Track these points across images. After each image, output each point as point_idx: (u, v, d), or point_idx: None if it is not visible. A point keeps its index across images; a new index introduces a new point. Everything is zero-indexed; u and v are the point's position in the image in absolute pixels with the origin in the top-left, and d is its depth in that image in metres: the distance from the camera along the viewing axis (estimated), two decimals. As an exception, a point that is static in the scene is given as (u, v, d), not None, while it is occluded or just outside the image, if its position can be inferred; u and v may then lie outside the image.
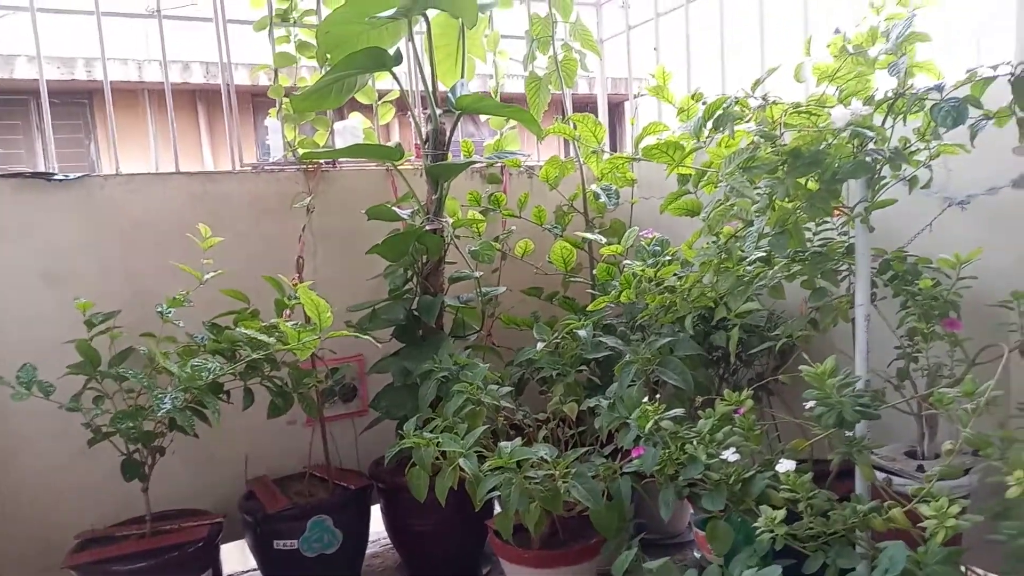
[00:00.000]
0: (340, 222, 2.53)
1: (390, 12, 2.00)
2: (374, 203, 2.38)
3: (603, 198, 2.58)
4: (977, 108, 1.20)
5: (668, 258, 2.04)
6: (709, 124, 1.42)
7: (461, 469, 1.66)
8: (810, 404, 1.44)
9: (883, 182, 1.42)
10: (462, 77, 2.42)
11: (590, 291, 2.48)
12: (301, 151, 2.50)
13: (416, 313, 2.31)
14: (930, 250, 1.70)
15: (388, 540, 2.46)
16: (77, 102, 7.57)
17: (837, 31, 1.51)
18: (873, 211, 1.40)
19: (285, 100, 2.50)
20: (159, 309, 1.96)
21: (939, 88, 1.23)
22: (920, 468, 1.78)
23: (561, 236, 2.58)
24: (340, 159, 2.54)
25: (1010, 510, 1.16)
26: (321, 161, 2.49)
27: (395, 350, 2.35)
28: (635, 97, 2.68)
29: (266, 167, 2.49)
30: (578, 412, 1.97)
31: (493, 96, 3.03)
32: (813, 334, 1.74)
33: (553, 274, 2.59)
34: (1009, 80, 1.19)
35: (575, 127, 2.34)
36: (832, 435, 1.44)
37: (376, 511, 2.39)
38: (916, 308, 1.59)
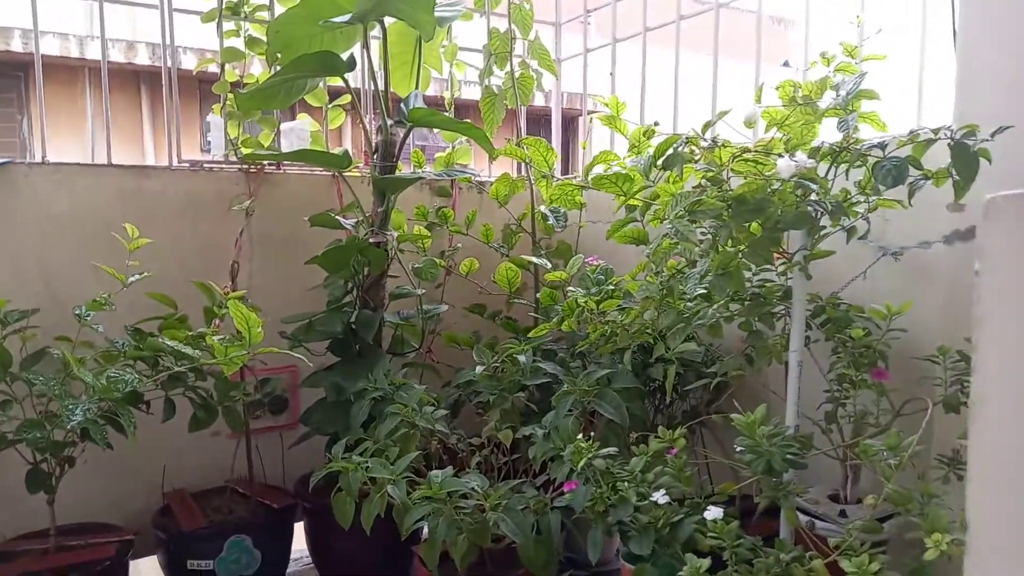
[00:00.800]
0: (280, 227, 2.45)
1: (345, 18, 1.95)
2: (317, 210, 2.31)
3: (551, 220, 2.56)
4: (917, 168, 1.23)
5: (611, 287, 2.03)
6: (659, 163, 1.42)
7: (389, 496, 1.61)
8: (740, 449, 1.46)
9: (823, 231, 1.44)
10: (416, 87, 2.38)
11: (533, 314, 2.46)
12: (244, 151, 2.41)
13: (354, 327, 2.25)
14: (862, 297, 1.74)
15: (310, 559, 2.38)
16: (12, 75, 7.21)
17: (787, 63, 1.53)
18: (812, 260, 1.42)
19: (230, 96, 2.41)
20: (77, 311, 1.85)
21: (881, 146, 1.25)
22: (843, 513, 1.81)
23: (507, 256, 2.55)
24: (285, 162, 2.47)
25: (925, 569, 1.17)
26: (264, 163, 2.41)
27: (330, 364, 2.28)
28: (589, 120, 2.68)
29: (205, 165, 2.39)
30: (513, 439, 1.94)
31: (448, 106, 3.00)
32: (747, 372, 1.76)
33: (497, 293, 2.56)
34: (949, 144, 1.22)
35: (527, 149, 2.32)
36: (760, 479, 1.45)
37: (300, 528, 2.32)
38: (846, 355, 1.62)
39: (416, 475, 1.72)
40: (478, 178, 2.29)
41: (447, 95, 2.95)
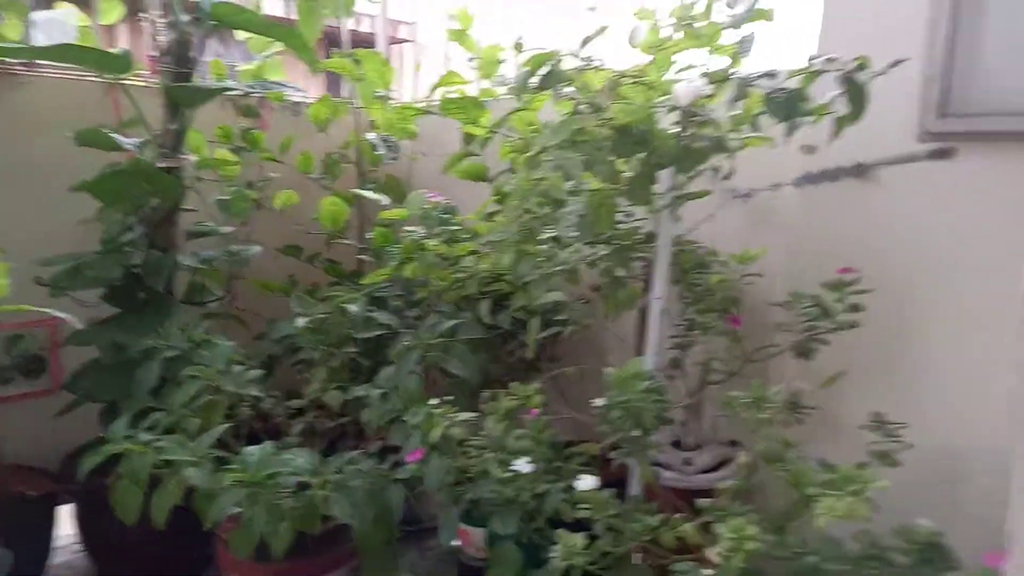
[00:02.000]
0: (35, 145, 1.93)
1: None
2: (85, 124, 1.83)
3: (382, 150, 2.27)
4: (803, 103, 1.13)
5: (456, 227, 1.82)
6: (532, 81, 1.21)
7: (189, 481, 1.30)
8: (600, 402, 1.33)
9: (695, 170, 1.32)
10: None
11: (360, 256, 2.18)
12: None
13: (138, 272, 1.83)
14: (706, 239, 1.68)
15: (80, 547, 1.97)
16: None
17: None
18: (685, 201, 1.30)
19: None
20: None
21: (771, 75, 1.15)
22: (687, 462, 1.79)
23: (331, 190, 2.23)
24: (40, 62, 1.93)
25: (787, 527, 1.13)
26: (9, 61, 1.87)
27: (107, 317, 1.86)
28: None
29: (-80, 57, 1.80)
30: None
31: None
32: (599, 320, 1.65)
33: (315, 233, 2.24)
34: (838, 78, 1.14)
35: (358, 64, 1.99)
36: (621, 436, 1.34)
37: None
38: (698, 301, 1.55)
39: (224, 450, 1.41)
40: (294, 96, 1.93)
41: (254, -1, 2.50)
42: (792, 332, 1.47)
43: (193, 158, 1.85)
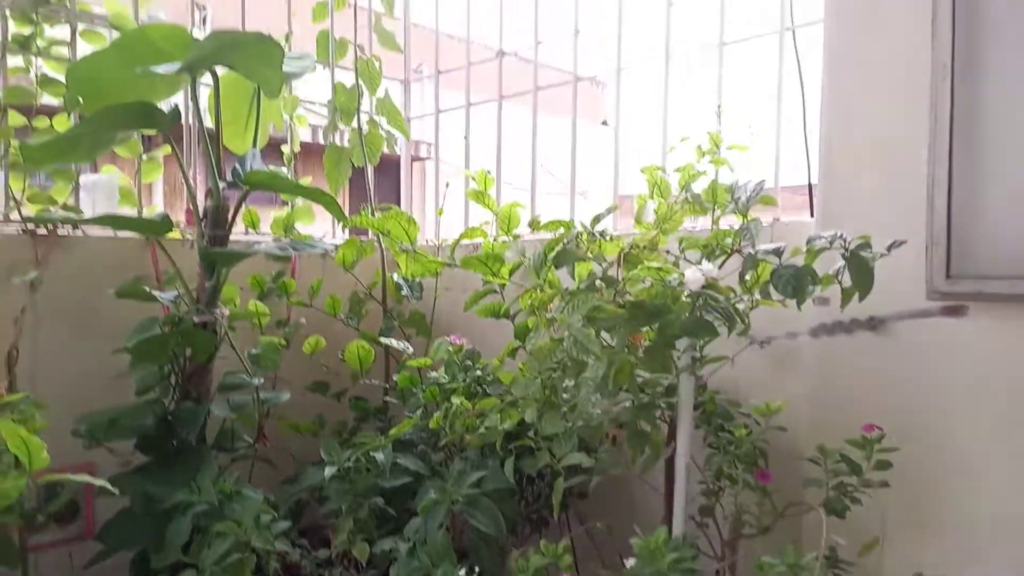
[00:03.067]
0: (77, 298, 2.03)
1: (171, 68, 1.64)
2: (126, 277, 1.95)
3: (406, 291, 2.36)
4: (813, 280, 1.19)
5: (478, 372, 1.87)
6: (549, 260, 1.29)
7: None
8: (630, 564, 1.33)
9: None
10: (254, 145, 2.09)
11: (386, 398, 2.23)
12: (31, 209, 1.99)
13: (171, 421, 1.89)
14: (725, 384, 1.70)
15: None
16: None
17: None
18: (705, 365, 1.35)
19: (14, 144, 1.98)
20: None
21: (777, 252, 1.21)
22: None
23: (358, 330, 2.31)
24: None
25: None
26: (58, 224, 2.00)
27: (138, 465, 1.90)
28: (446, 185, 2.53)
29: (-23, 225, 1.94)
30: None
31: (287, 162, 2.72)
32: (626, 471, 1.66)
33: (343, 373, 2.30)
34: (843, 255, 1.20)
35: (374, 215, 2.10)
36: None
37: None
38: (725, 452, 1.56)
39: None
40: (327, 249, 2.04)
41: (287, 151, 2.67)
42: (822, 488, 1.48)
43: (227, 311, 1.93)
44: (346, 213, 1.98)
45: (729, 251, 1.27)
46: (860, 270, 1.17)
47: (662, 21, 2.13)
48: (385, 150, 2.74)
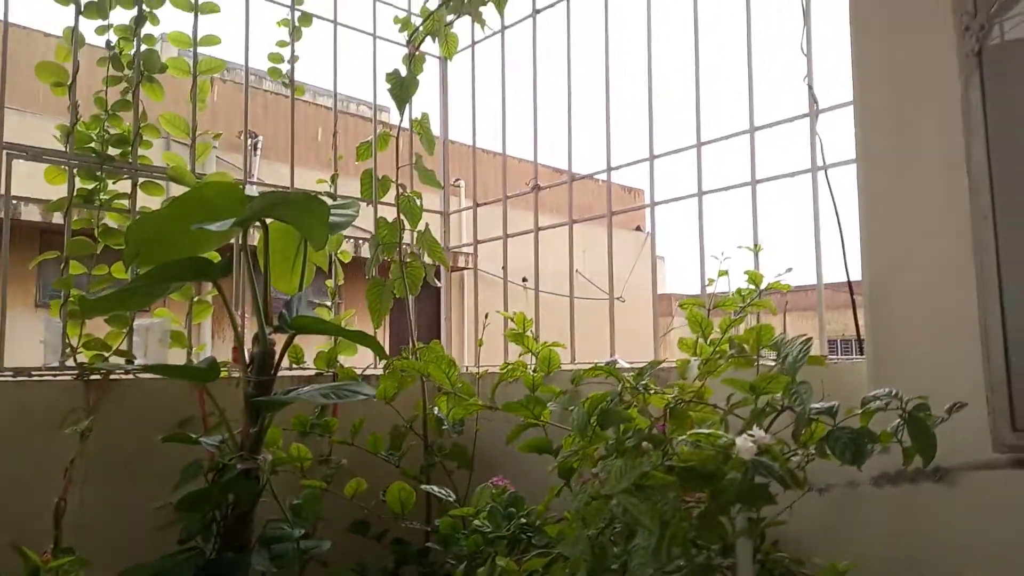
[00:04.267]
0: (126, 444, 2.05)
1: (225, 225, 1.72)
2: (173, 419, 1.97)
3: (447, 426, 2.34)
4: (872, 441, 1.15)
5: (523, 520, 1.82)
6: (594, 421, 1.27)
7: None
8: None
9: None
10: (300, 288, 2.15)
11: (428, 544, 2.17)
12: (86, 355, 2.05)
13: (212, 573, 1.85)
14: (784, 534, 1.62)
15: None
16: None
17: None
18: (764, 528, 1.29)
19: (75, 294, 2.07)
20: None
21: (831, 412, 1.18)
22: None
23: (399, 467, 2.28)
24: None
25: None
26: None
27: (177, 621, 1.85)
28: (485, 317, 2.55)
29: (34, 374, 1.99)
30: None
31: (331, 295, 2.79)
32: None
33: (384, 507, 2.25)
34: (901, 416, 1.16)
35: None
36: None
37: None
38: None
39: None
40: (369, 395, 2.05)
41: (330, 284, 2.75)
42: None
43: (270, 457, 1.93)
44: (387, 336, 2.02)
45: (779, 408, 1.24)
46: (920, 433, 1.13)
47: (694, 156, 2.19)
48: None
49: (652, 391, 1.36)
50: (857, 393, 1.57)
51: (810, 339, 1.32)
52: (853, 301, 1.73)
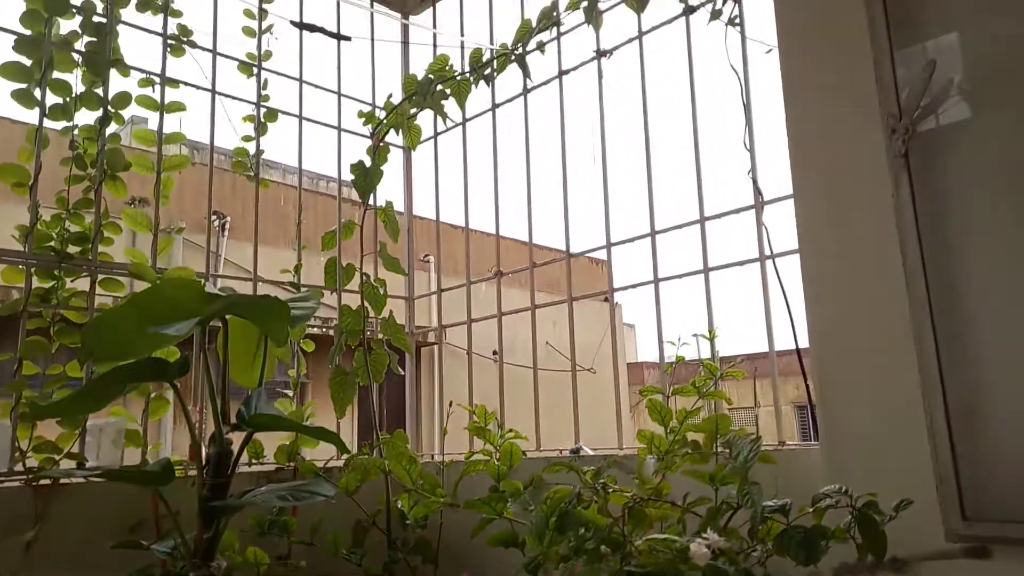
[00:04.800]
0: (75, 549, 1.97)
1: (184, 327, 1.72)
2: (125, 523, 1.91)
3: (410, 521, 2.29)
4: (825, 539, 1.16)
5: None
6: (551, 525, 1.27)
7: None
8: None
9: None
10: (260, 383, 2.13)
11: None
12: (36, 459, 1.99)
13: None
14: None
15: None
16: None
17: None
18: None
19: (27, 396, 2.03)
20: None
21: (783, 511, 1.19)
22: None
23: (360, 566, 2.21)
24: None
25: None
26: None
27: None
28: (449, 405, 2.54)
29: (-21, 481, 1.93)
30: None
31: (293, 385, 2.77)
32: None
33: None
34: (852, 514, 1.18)
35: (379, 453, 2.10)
36: None
37: None
38: None
39: None
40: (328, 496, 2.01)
41: (292, 374, 2.73)
42: None
43: (225, 563, 1.86)
44: (355, 415, 1.99)
45: (735, 506, 1.25)
46: (870, 531, 1.14)
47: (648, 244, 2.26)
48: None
49: (611, 489, 1.36)
50: (814, 481, 1.59)
51: (759, 439, 1.34)
52: (804, 374, 1.77)
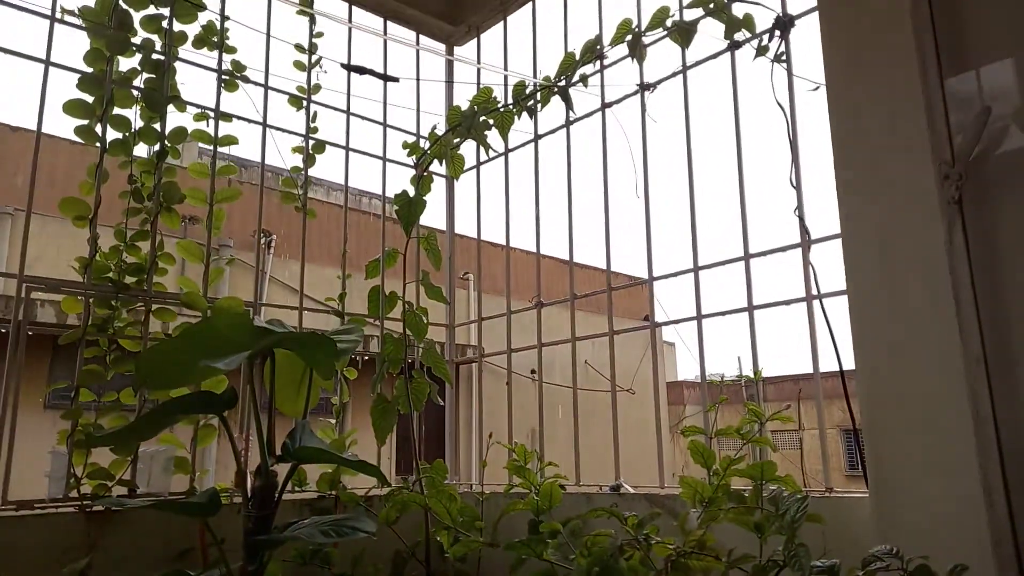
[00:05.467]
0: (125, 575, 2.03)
1: (237, 359, 1.76)
2: (175, 550, 1.96)
3: (448, 554, 2.30)
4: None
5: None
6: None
7: None
8: None
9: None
10: (305, 415, 2.17)
11: None
12: (89, 486, 2.06)
13: None
14: None
15: None
16: None
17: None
18: None
19: (84, 422, 2.10)
20: None
21: (833, 572, 1.16)
22: None
23: (399, 598, 2.23)
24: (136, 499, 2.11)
25: None
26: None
27: None
28: (489, 438, 2.55)
29: (36, 506, 1.99)
30: None
31: (336, 414, 2.81)
32: None
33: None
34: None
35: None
36: None
37: None
38: None
39: None
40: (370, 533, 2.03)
41: (335, 402, 2.77)
42: None
43: (269, 595, 1.89)
44: (394, 438, 2.00)
45: (780, 565, 1.22)
46: (924, 599, 1.11)
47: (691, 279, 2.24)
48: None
49: (654, 541, 1.35)
50: (863, 532, 1.55)
51: (806, 498, 1.31)
52: (848, 398, 1.73)
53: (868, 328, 1.61)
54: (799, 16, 2.09)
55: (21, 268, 2.10)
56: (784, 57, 2.08)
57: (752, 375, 1.94)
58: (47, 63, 2.23)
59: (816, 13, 1.87)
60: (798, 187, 2.02)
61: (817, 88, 2.00)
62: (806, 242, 1.99)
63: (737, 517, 1.36)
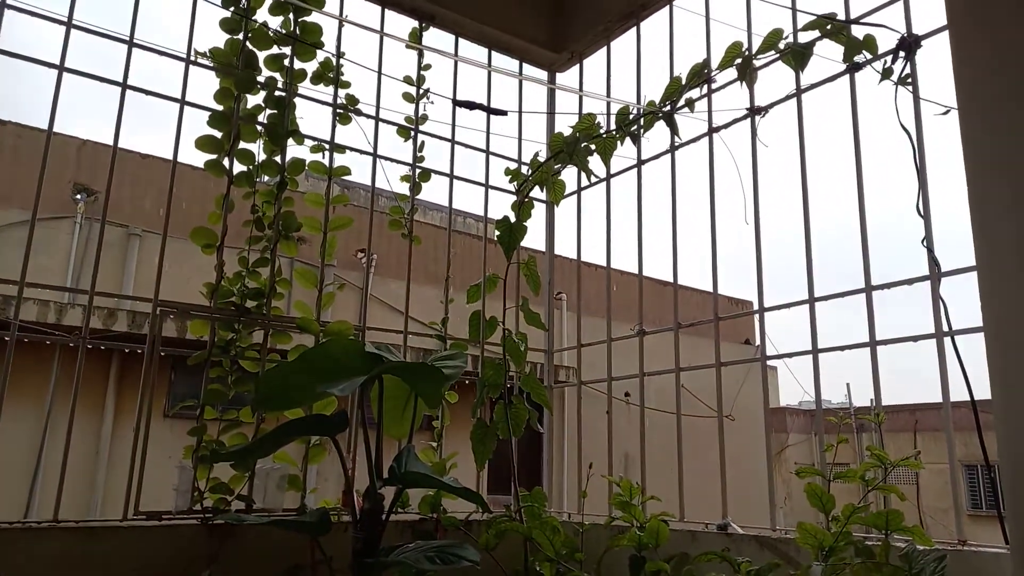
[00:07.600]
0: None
1: (352, 384, 1.83)
2: (284, 564, 2.03)
3: (549, 582, 2.28)
4: None
5: None
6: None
7: None
8: None
9: None
10: (410, 439, 2.22)
11: None
12: (211, 499, 2.17)
13: None
14: None
15: None
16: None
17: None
18: None
19: (208, 438, 2.22)
20: None
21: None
22: None
23: (498, 626, 2.23)
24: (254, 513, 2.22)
25: None
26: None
27: None
28: (589, 469, 2.52)
29: (164, 517, 2.12)
30: None
31: (437, 437, 2.85)
32: None
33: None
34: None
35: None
36: None
37: None
38: None
39: None
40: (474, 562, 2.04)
41: (437, 425, 2.81)
42: None
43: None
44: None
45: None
46: None
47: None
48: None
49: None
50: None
51: (945, 557, 1.21)
52: (979, 428, 1.60)
53: (1010, 374, 1.49)
54: (925, 36, 1.98)
55: (156, 293, 2.26)
56: (910, 80, 1.97)
57: (869, 404, 1.82)
58: (182, 102, 2.40)
59: (946, 32, 1.76)
60: (926, 216, 1.91)
61: (947, 112, 1.89)
62: (935, 275, 1.87)
63: (865, 571, 1.27)
